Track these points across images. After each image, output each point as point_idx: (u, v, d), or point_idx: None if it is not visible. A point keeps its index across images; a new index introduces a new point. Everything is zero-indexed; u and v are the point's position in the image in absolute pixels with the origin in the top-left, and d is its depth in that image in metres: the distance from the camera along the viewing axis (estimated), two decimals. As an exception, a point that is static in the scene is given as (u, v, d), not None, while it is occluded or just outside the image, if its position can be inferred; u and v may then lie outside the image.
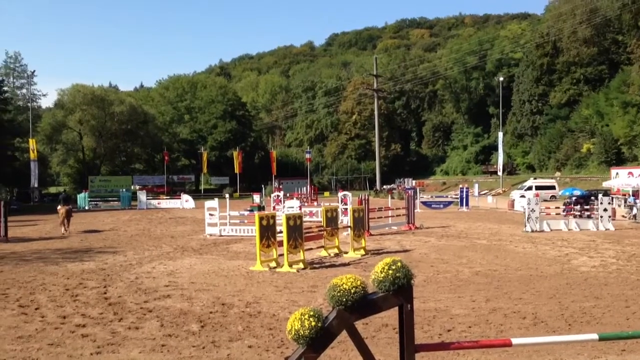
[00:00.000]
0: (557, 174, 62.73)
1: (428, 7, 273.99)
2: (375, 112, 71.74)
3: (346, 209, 19.86)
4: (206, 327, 7.50)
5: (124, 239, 20.14)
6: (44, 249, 17.09)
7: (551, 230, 20.87)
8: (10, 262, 14.31)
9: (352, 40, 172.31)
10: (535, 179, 52.42)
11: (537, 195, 23.29)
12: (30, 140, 55.81)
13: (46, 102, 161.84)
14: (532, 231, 20.40)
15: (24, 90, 73.14)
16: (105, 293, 9.95)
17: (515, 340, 3.80)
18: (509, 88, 77.90)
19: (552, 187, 47.11)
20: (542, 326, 7.38)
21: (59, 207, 23.28)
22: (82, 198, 45.46)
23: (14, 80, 74.09)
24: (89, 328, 7.51)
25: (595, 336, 3.92)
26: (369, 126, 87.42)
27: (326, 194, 64.55)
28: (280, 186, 55.91)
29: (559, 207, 26.46)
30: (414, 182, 67.23)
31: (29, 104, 66.70)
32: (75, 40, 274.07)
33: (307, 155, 74.33)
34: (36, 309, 8.78)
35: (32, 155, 54.62)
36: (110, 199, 49.16)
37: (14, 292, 10.19)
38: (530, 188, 43.89)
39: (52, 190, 73.42)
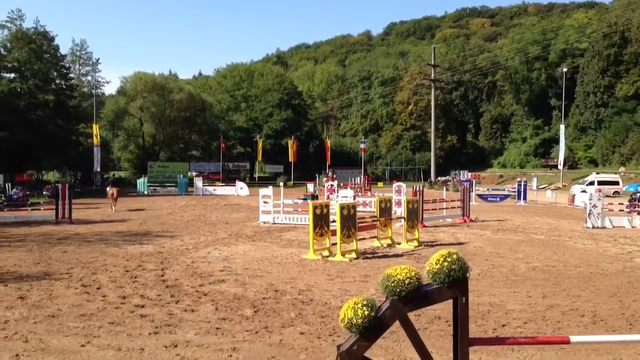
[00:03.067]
0: (622, 169, 60.31)
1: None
2: (432, 103, 70.71)
3: (400, 199, 19.74)
4: (259, 312, 7.62)
5: (180, 223, 20.65)
6: (105, 231, 17.74)
7: (613, 227, 20.14)
8: (74, 242, 14.92)
9: (410, 29, 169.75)
10: (597, 173, 50.59)
11: (599, 190, 22.49)
12: (94, 125, 57.69)
13: (109, 89, 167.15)
14: (593, 227, 19.74)
15: (89, 78, 75.92)
16: (162, 276, 10.24)
17: (573, 338, 3.69)
18: (572, 79, 75.20)
19: (616, 183, 45.37)
20: (601, 325, 7.15)
21: (108, 188, 27.74)
22: (141, 183, 46.84)
23: (80, 68, 76.97)
24: (148, 309, 7.75)
25: (659, 338, 3.77)
26: (425, 117, 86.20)
27: (380, 184, 64.26)
28: (334, 175, 55.99)
29: (622, 204, 25.50)
30: (469, 174, 66.05)
31: (93, 91, 69.08)
32: (138, 29, 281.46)
33: (362, 145, 74.11)
34: (98, 288, 9.13)
35: (95, 140, 56.46)
36: (168, 184, 50.51)
37: (77, 271, 10.62)
38: (592, 183, 42.43)
39: (116, 175, 76.02)
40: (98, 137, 56.74)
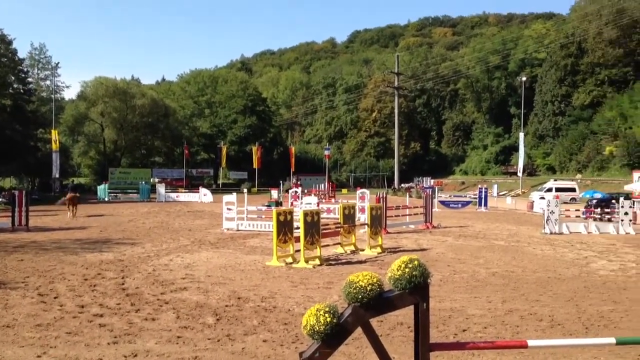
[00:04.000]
0: (578, 176, 61.97)
1: (452, 5, 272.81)
2: (396, 110, 71.46)
3: (363, 206, 19.86)
4: (221, 320, 7.55)
5: (142, 231, 20.33)
6: (63, 239, 17.33)
7: (570, 232, 20.64)
8: (31, 251, 14.53)
9: (374, 37, 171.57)
10: (555, 180, 51.88)
11: (557, 197, 23.05)
12: (53, 131, 56.39)
13: (69, 94, 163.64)
14: (551, 233, 20.20)
15: (48, 82, 73.99)
16: (122, 284, 10.06)
17: (531, 342, 3.77)
18: (531, 88, 77.09)
19: (573, 190, 46.59)
20: (558, 329, 7.31)
21: (68, 195, 27.14)
22: (102, 189, 45.99)
23: (39, 72, 74.99)
24: (107, 318, 7.60)
25: (612, 340, 3.88)
26: (388, 124, 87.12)
27: (344, 191, 64.51)
28: (299, 182, 56.00)
29: (579, 210, 26.17)
30: (432, 181, 66.91)
31: (53, 96, 67.51)
32: (99, 33, 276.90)
33: (326, 152, 74.33)
34: (55, 297, 8.91)
35: (54, 146, 55.18)
36: (129, 191, 49.68)
37: (34, 280, 10.34)
38: (550, 190, 43.47)
39: (75, 181, 74.32)
40: (57, 142, 55.43)
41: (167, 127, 75.42)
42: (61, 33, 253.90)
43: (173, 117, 77.84)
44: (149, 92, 79.84)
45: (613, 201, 25.09)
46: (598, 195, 36.64)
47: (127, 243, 16.31)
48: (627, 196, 29.23)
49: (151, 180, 61.61)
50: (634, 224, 22.28)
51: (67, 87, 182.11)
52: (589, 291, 9.86)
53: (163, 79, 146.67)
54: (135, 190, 48.40)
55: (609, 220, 22.75)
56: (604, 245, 16.91)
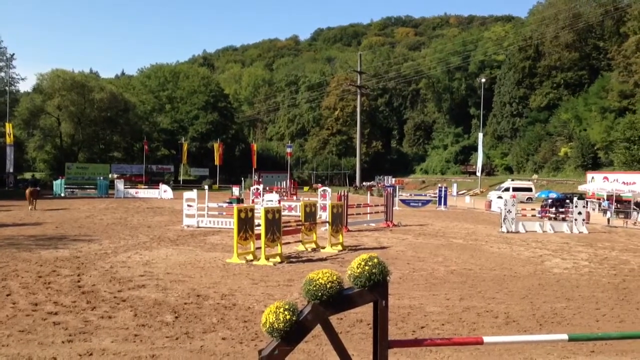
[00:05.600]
0: (534, 176, 63.46)
1: (414, 6, 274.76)
2: (358, 109, 71.82)
3: (325, 204, 19.92)
4: (180, 318, 7.47)
5: (99, 227, 19.93)
6: (17, 235, 16.85)
7: (526, 231, 21.13)
8: (-17, 247, 14.09)
9: (337, 35, 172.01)
10: (512, 180, 53.02)
11: (514, 196, 23.55)
12: (7, 124, 54.83)
13: (25, 87, 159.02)
14: (508, 232, 20.63)
15: (2, 74, 71.62)
16: (78, 281, 9.85)
17: (486, 339, 3.84)
18: (490, 90, 78.50)
19: (529, 189, 47.69)
20: (513, 325, 7.48)
21: (28, 189, 28.35)
22: (58, 185, 44.89)
23: (-7, 63, 72.62)
24: (61, 316, 7.43)
25: (565, 337, 3.98)
26: (350, 122, 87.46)
27: (306, 188, 64.53)
28: (260, 179, 55.79)
29: (534, 209, 26.79)
30: (393, 179, 67.48)
31: (7, 88, 65.48)
32: (56, 25, 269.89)
33: (288, 150, 74.19)
34: (7, 295, 8.67)
35: (8, 139, 53.71)
36: (87, 186, 48.64)
37: (-14, 277, 10.04)
38: (507, 189, 44.39)
39: (28, 176, 72.36)
40: (11, 136, 53.96)
41: (127, 122, 74.09)
42: (17, 23, 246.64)
43: (133, 112, 76.45)
44: (108, 85, 78.19)
45: (567, 201, 25.82)
46: (553, 195, 37.62)
47: (84, 240, 15.97)
48: (581, 196, 30.11)
49: (110, 175, 60.46)
50: (587, 223, 22.95)
51: (23, 79, 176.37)
52: (543, 289, 10.11)
53: (123, 73, 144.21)
54: (93, 186, 47.39)
55: (563, 219, 23.41)
56: (558, 244, 17.37)
